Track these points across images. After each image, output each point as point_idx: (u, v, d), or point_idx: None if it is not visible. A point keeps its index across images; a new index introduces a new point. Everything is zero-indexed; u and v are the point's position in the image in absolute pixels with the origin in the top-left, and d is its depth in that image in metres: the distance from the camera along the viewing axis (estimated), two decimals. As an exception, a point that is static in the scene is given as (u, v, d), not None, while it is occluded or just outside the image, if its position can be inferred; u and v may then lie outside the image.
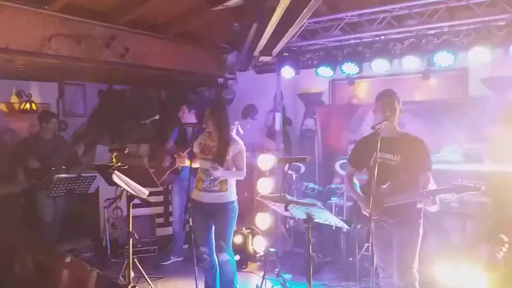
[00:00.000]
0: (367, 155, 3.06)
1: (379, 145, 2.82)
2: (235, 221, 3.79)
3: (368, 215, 2.79)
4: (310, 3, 3.78)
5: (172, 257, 5.31)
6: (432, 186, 2.92)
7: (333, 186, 5.25)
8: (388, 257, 3.11)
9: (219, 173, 3.57)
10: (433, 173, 3.03)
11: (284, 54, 5.37)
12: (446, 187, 2.79)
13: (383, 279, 3.23)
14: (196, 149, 3.81)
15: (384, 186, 2.99)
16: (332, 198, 5.10)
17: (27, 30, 4.36)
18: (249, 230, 5.22)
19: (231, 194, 3.73)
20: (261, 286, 4.25)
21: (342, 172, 4.80)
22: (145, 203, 4.06)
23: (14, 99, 6.20)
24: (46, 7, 4.36)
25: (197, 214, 3.74)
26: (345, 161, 4.80)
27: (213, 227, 3.77)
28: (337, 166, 5.08)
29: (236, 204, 3.76)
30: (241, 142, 3.75)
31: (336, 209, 4.98)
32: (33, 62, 4.89)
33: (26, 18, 4.32)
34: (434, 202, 2.78)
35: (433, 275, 3.99)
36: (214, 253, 3.80)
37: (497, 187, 4.00)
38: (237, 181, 3.82)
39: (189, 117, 5.10)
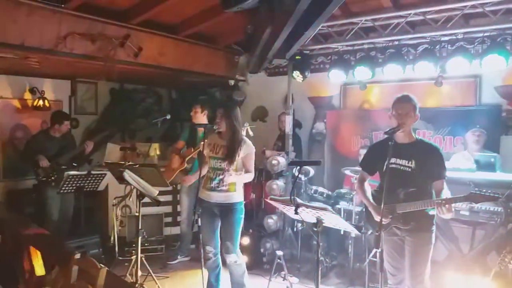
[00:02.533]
0: (380, 161, 3.03)
1: (392, 151, 2.81)
2: (242, 222, 3.79)
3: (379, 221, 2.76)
4: (328, 7, 3.76)
5: (179, 257, 5.32)
6: (445, 193, 2.90)
7: (342, 190, 5.23)
8: (399, 264, 3.09)
9: (232, 178, 3.60)
10: (446, 181, 3.01)
11: (297, 57, 5.38)
12: (463, 196, 2.75)
13: (392, 285, 3.20)
14: (206, 150, 3.82)
15: (398, 192, 2.97)
16: (340, 203, 5.08)
17: (43, 28, 4.40)
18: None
19: (239, 195, 3.74)
20: (267, 289, 4.25)
21: (353, 174, 4.78)
22: (155, 202, 4.07)
23: (27, 95, 6.28)
24: (62, 5, 4.41)
25: (205, 214, 3.76)
26: (353, 168, 4.81)
27: (219, 227, 3.79)
28: (347, 171, 5.06)
29: (242, 206, 3.77)
30: (250, 144, 3.76)
31: (345, 214, 4.96)
32: (48, 60, 4.94)
33: (42, 16, 4.37)
34: (450, 210, 2.74)
35: (442, 283, 3.95)
36: (219, 253, 3.82)
37: (508, 196, 3.97)
38: (245, 183, 3.85)
39: (201, 117, 5.09)
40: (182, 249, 5.38)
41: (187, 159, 4.84)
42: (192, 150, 4.77)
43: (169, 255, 5.41)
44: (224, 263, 3.86)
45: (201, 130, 4.80)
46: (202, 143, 3.83)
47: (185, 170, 4.95)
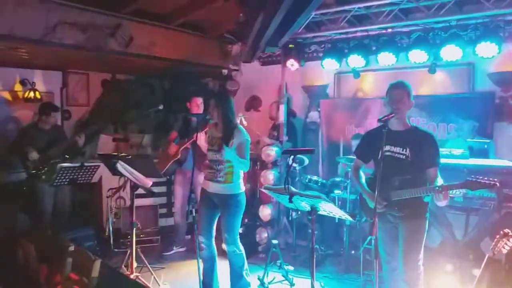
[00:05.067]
0: (374, 148, 3.02)
1: (387, 138, 2.80)
2: (242, 214, 3.76)
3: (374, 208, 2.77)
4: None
5: (174, 248, 5.33)
6: (439, 180, 2.90)
7: (336, 179, 5.24)
8: (393, 250, 3.11)
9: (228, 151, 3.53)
10: (439, 168, 3.01)
11: (290, 46, 5.34)
12: (459, 183, 2.75)
13: (386, 272, 3.22)
14: (204, 142, 3.81)
15: (393, 180, 2.97)
16: (335, 191, 5.09)
17: (31, 18, 4.35)
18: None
19: (237, 187, 3.71)
20: (263, 277, 4.27)
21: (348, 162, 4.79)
22: (148, 193, 4.06)
23: (18, 87, 6.20)
24: (50, -7, 4.35)
25: (203, 203, 3.78)
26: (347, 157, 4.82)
27: (217, 217, 3.79)
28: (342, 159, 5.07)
29: (242, 198, 3.74)
30: (245, 133, 3.70)
31: (339, 202, 4.98)
32: (38, 50, 4.87)
33: (30, 5, 4.31)
34: (446, 197, 2.75)
35: (436, 269, 3.99)
36: (213, 244, 3.82)
37: (501, 182, 3.99)
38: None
39: (200, 108, 5.06)
40: (177, 240, 5.38)
41: (180, 149, 4.82)
42: (186, 140, 4.75)
43: (165, 246, 5.41)
44: (224, 253, 3.84)
45: (195, 120, 4.76)
46: (196, 134, 3.81)
47: (179, 161, 4.93)
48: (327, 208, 2.85)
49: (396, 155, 3.01)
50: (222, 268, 4.00)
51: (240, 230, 4.99)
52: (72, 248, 3.79)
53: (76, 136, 5.15)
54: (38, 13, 4.38)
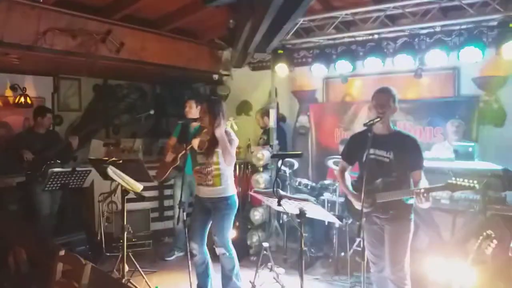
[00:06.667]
0: (359, 151, 3.10)
1: (371, 142, 2.88)
2: (233, 216, 3.78)
3: (360, 208, 2.83)
4: (304, 1, 3.82)
5: (176, 253, 5.31)
6: (423, 183, 2.98)
7: (325, 182, 5.31)
8: (380, 252, 3.16)
9: (219, 131, 3.53)
10: (424, 170, 3.08)
11: (279, 51, 5.41)
12: (440, 185, 2.83)
13: (374, 273, 3.28)
14: (195, 146, 3.83)
15: (377, 182, 3.04)
16: (324, 194, 5.16)
17: (22, 24, 4.34)
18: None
19: (227, 189, 3.74)
20: (254, 280, 4.30)
21: (335, 167, 4.85)
22: (139, 198, 4.08)
23: (8, 92, 6.17)
24: (40, 0, 4.36)
25: (196, 210, 3.82)
26: (337, 158, 4.89)
27: (210, 223, 3.81)
28: (330, 163, 5.14)
29: (232, 200, 3.76)
30: (233, 135, 3.74)
31: (329, 204, 5.04)
32: (28, 56, 4.88)
33: (20, 12, 4.31)
34: (428, 199, 2.83)
35: (423, 270, 4.06)
36: (205, 250, 3.84)
37: (486, 185, 4.08)
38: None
39: (195, 112, 4.94)
40: (178, 245, 5.34)
41: (179, 155, 4.80)
42: (184, 146, 4.73)
43: (165, 251, 5.39)
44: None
45: (194, 125, 4.74)
46: (194, 139, 3.84)
47: (178, 167, 4.91)
48: (315, 211, 2.91)
49: (380, 158, 3.08)
50: (217, 270, 4.01)
51: (233, 233, 5.06)
52: (63, 252, 3.80)
53: (70, 138, 5.15)
54: (28, 19, 4.38)
